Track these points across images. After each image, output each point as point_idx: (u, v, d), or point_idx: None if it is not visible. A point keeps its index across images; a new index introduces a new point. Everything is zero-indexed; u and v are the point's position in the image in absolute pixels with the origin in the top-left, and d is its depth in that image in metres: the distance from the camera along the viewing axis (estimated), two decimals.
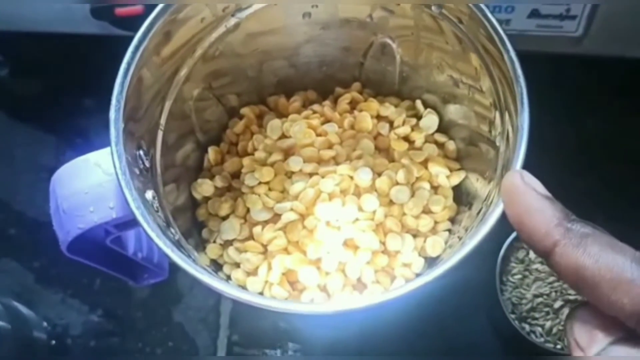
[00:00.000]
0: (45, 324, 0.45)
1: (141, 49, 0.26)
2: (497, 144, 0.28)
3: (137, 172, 0.26)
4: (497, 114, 0.28)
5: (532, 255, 0.41)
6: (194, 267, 0.23)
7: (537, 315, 0.40)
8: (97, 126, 0.47)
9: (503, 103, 0.27)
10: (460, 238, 0.29)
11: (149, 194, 0.27)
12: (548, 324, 0.40)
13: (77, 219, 0.26)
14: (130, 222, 0.26)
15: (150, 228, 0.24)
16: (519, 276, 0.41)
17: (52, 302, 0.46)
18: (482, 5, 0.26)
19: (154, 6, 0.37)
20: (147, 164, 0.28)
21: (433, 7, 0.29)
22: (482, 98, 0.29)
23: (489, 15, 0.26)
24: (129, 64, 0.26)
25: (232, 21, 0.31)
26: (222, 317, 0.45)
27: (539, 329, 0.40)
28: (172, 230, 0.28)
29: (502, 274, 0.41)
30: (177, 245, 0.27)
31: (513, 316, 0.40)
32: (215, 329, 0.45)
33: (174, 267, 0.33)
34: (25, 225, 0.48)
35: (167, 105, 0.30)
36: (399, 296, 0.23)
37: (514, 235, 0.41)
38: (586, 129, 0.47)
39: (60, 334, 0.45)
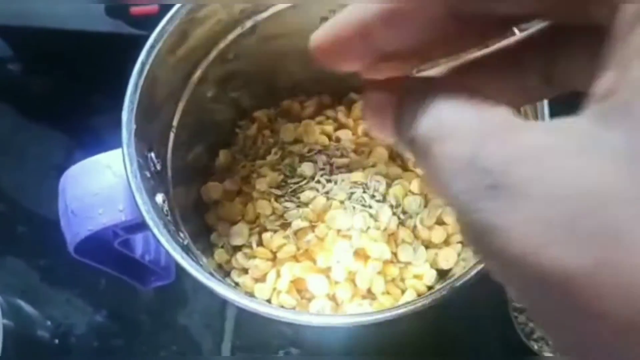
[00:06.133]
0: (49, 322, 0.44)
1: (156, 49, 0.26)
2: None
3: (148, 174, 0.26)
4: None
5: None
6: (204, 274, 0.23)
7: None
8: (109, 125, 0.46)
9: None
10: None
11: (159, 197, 0.26)
12: None
13: (86, 221, 0.26)
14: (140, 225, 0.26)
15: (160, 233, 0.23)
16: None
17: (57, 301, 0.45)
18: None
19: (169, 6, 0.37)
20: (158, 167, 0.27)
21: None
22: None
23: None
24: (143, 64, 0.26)
25: (249, 24, 0.30)
26: (228, 322, 0.44)
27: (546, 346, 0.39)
28: (182, 234, 0.28)
29: None
30: (186, 250, 0.27)
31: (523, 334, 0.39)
32: (220, 333, 0.44)
33: (180, 270, 0.32)
34: (33, 223, 0.47)
35: (180, 106, 0.30)
36: (410, 310, 0.23)
37: None
38: None
39: (64, 333, 0.44)
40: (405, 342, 0.42)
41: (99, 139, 0.47)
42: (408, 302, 0.23)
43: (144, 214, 0.24)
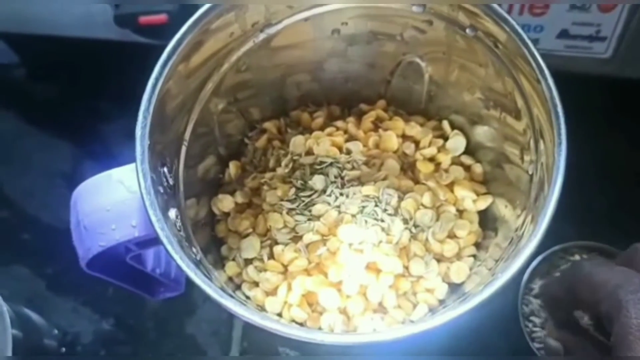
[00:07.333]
0: (56, 331, 0.44)
1: (169, 64, 0.26)
2: (530, 171, 0.27)
3: (161, 190, 0.26)
4: (532, 140, 0.27)
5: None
6: (218, 292, 0.23)
7: None
8: (116, 133, 0.47)
9: (538, 129, 0.26)
10: (489, 269, 0.28)
11: (172, 213, 0.26)
12: None
13: (98, 236, 0.25)
14: (153, 241, 0.26)
15: (174, 250, 0.23)
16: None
17: (64, 309, 0.45)
18: (520, 30, 0.25)
19: (178, 16, 0.37)
20: (171, 181, 0.27)
21: (467, 30, 0.28)
22: (515, 122, 0.29)
23: (527, 41, 0.25)
24: (157, 79, 0.25)
25: (261, 37, 0.30)
26: (235, 331, 0.44)
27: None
28: (194, 249, 0.27)
29: (524, 296, 0.40)
30: (199, 264, 0.26)
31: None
32: (227, 342, 0.44)
33: (189, 282, 0.32)
34: (39, 231, 0.47)
35: (192, 118, 0.30)
36: (426, 330, 0.22)
37: (537, 260, 0.40)
38: (608, 150, 0.46)
39: (71, 341, 0.44)
40: (412, 350, 0.42)
41: (106, 147, 0.47)
42: (423, 320, 0.23)
43: (158, 231, 0.23)
